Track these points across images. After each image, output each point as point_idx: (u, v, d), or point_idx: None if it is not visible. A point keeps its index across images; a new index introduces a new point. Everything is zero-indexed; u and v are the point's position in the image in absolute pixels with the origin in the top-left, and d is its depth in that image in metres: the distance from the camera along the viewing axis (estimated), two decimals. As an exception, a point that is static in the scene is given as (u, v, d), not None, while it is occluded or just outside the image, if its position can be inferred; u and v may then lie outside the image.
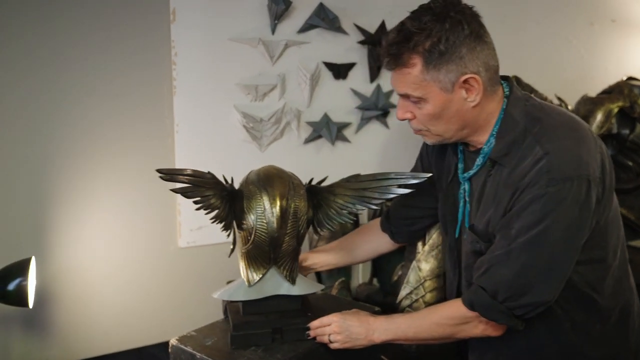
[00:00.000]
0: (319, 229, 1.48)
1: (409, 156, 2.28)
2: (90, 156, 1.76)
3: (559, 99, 2.20)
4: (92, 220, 1.78)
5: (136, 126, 1.82)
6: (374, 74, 2.15)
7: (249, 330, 1.44)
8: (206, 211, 1.29)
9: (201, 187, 1.28)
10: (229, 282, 1.59)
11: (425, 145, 1.53)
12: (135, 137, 1.82)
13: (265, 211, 1.38)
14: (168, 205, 1.88)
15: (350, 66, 2.11)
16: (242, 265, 1.47)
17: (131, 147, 1.81)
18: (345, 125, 2.13)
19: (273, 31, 1.95)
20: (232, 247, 1.49)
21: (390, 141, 2.25)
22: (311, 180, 1.52)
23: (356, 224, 1.99)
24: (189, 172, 1.26)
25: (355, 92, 2.13)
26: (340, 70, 2.10)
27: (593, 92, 2.48)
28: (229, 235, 1.42)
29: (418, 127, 1.30)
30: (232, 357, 1.40)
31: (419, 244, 1.71)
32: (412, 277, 1.66)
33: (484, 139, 1.30)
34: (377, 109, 2.16)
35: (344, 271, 1.99)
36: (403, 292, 1.68)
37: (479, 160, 1.32)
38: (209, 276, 1.98)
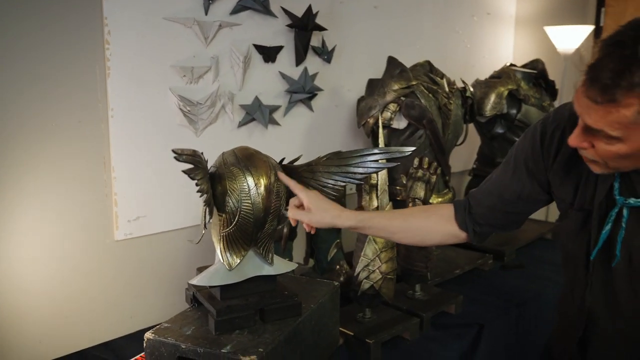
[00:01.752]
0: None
1: (332, 139, 2.38)
2: (16, 145, 1.56)
3: (464, 82, 2.42)
4: (21, 217, 1.60)
5: (67, 111, 1.65)
6: (300, 58, 2.18)
7: (233, 314, 1.42)
8: (200, 195, 1.25)
9: (198, 169, 1.23)
10: (199, 268, 1.54)
11: (538, 146, 1.27)
12: (67, 123, 1.65)
13: (250, 192, 1.37)
14: (104, 196, 1.75)
15: (278, 49, 2.12)
16: (219, 249, 1.44)
17: (62, 134, 1.65)
18: (276, 108, 2.14)
19: (206, 12, 1.89)
20: (203, 232, 1.45)
21: (315, 124, 2.31)
22: (282, 159, 1.52)
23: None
24: (189, 151, 1.21)
25: (283, 75, 2.15)
26: (269, 53, 2.10)
27: (475, 78, 2.74)
28: (209, 220, 1.38)
29: (592, 159, 1.09)
30: (221, 342, 1.37)
31: (372, 219, 1.80)
32: (368, 249, 1.74)
33: None
34: (304, 92, 2.20)
35: (288, 252, 2.01)
36: (360, 265, 1.76)
37: None
38: (150, 269, 1.89)
